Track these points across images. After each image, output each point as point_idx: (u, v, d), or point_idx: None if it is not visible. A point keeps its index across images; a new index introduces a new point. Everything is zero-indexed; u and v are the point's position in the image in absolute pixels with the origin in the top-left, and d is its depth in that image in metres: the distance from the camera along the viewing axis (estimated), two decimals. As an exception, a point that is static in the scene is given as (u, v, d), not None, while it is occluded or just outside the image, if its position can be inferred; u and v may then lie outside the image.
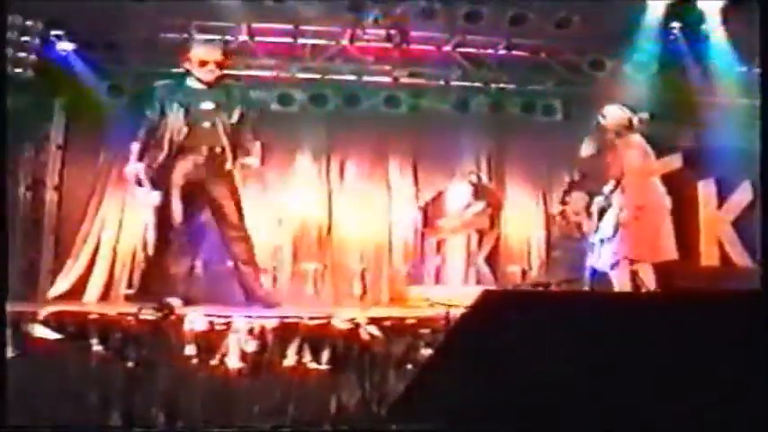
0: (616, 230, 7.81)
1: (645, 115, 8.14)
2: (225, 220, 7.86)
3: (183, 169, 7.65)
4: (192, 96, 7.73)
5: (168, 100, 7.68)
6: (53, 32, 9.34)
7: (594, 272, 8.03)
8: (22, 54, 9.00)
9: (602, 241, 7.95)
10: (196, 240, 8.41)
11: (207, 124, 7.70)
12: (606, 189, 8.07)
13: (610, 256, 7.86)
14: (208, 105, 7.73)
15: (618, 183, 7.93)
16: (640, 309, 3.27)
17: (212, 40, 8.52)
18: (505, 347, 3.03)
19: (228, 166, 7.76)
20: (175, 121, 7.62)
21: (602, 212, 8.11)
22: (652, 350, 3.00)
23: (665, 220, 8.00)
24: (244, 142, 7.82)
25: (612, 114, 8.01)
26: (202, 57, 7.75)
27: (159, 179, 7.63)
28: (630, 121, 7.99)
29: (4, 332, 5.44)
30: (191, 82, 7.80)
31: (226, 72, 8.07)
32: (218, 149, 7.70)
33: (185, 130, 7.63)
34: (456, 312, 5.40)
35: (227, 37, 9.67)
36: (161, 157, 7.63)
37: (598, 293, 6.75)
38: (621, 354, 3.02)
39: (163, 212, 7.66)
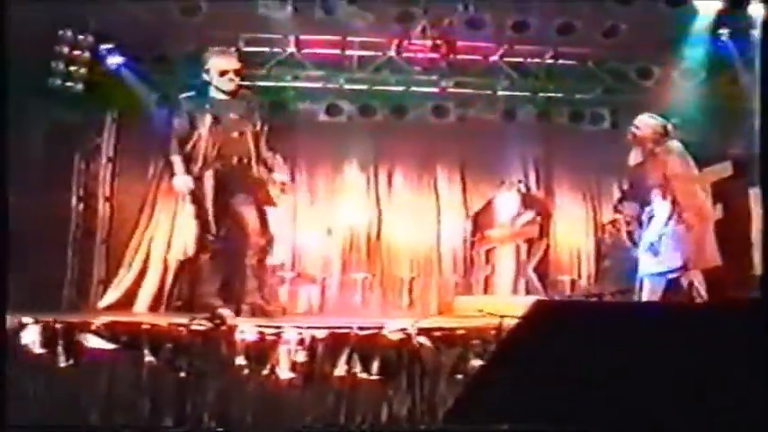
0: (660, 238, 7.76)
1: (676, 120, 8.09)
2: (248, 227, 7.80)
3: (213, 180, 7.63)
4: (218, 107, 7.70)
5: (198, 112, 7.67)
6: (103, 46, 9.42)
7: (642, 282, 7.98)
8: (73, 68, 9.13)
9: (650, 246, 7.88)
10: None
11: (235, 134, 7.70)
12: (653, 197, 8.02)
13: (653, 264, 7.80)
14: (234, 115, 7.72)
15: (661, 190, 7.87)
16: (693, 319, 3.24)
17: (227, 50, 8.46)
18: (558, 358, 3.02)
19: (256, 174, 7.78)
20: (208, 132, 7.61)
21: (650, 221, 8.06)
22: (708, 360, 2.98)
23: (709, 227, 7.92)
24: (266, 156, 7.83)
25: (646, 124, 7.94)
26: (221, 66, 7.72)
27: (196, 190, 7.65)
28: (665, 127, 7.93)
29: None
30: (213, 93, 7.76)
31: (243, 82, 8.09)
32: (245, 160, 7.71)
33: (218, 140, 7.62)
34: (508, 323, 5.37)
35: (276, 48, 9.76)
36: (196, 168, 7.62)
37: (650, 304, 6.69)
38: (675, 364, 2.99)
39: (203, 222, 7.70)
